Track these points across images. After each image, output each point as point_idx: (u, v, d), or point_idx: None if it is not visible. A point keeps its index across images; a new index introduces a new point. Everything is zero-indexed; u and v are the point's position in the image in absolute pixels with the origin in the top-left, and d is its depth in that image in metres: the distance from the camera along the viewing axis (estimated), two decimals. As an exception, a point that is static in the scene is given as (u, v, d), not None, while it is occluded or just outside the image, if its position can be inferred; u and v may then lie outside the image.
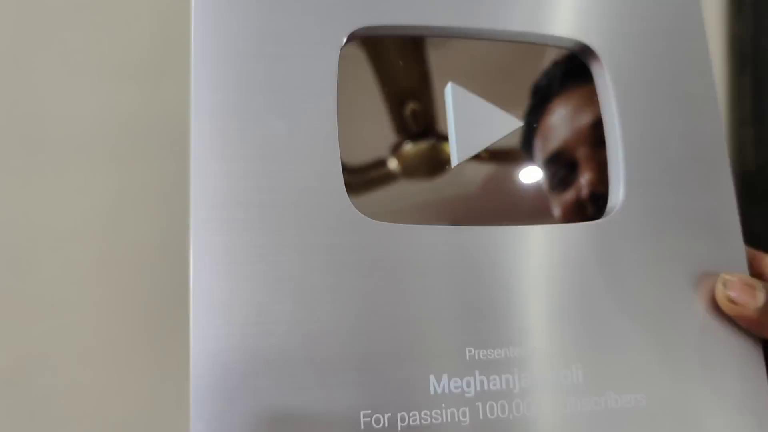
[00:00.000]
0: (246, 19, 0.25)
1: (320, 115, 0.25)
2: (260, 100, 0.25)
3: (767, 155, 0.83)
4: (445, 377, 0.24)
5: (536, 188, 0.29)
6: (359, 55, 0.27)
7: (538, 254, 0.26)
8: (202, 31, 0.24)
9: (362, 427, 0.23)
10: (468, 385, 0.24)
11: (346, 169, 0.25)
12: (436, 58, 0.28)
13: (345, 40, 0.26)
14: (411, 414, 0.24)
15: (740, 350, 0.27)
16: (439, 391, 0.24)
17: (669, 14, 0.30)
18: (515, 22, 0.28)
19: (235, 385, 0.22)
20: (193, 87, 0.24)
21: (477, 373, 0.24)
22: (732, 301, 0.26)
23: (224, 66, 0.24)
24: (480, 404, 0.24)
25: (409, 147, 0.27)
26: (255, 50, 0.25)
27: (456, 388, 0.24)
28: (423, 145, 0.27)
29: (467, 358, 0.25)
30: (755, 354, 0.28)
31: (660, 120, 0.29)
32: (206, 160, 0.24)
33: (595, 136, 0.28)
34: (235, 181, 0.24)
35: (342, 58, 0.26)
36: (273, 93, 0.25)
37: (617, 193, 0.28)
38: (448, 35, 0.28)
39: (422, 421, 0.24)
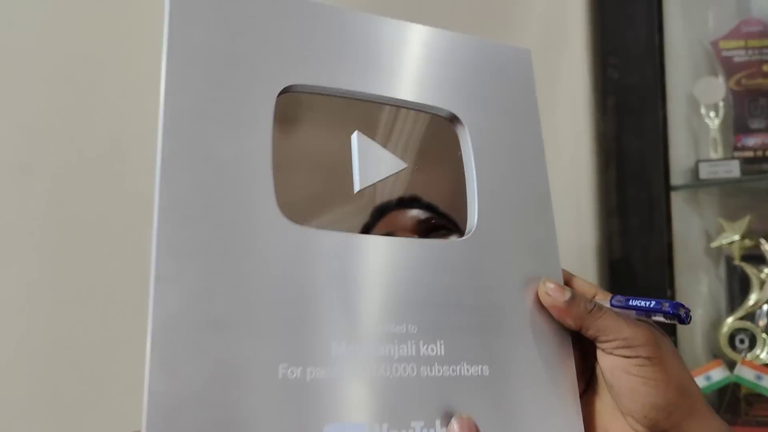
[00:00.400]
0: (206, 69, 0.34)
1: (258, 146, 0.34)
2: (214, 128, 0.33)
3: (632, 244, 0.97)
4: (344, 343, 0.33)
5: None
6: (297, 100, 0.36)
7: (412, 260, 0.36)
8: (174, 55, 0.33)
9: (279, 376, 0.31)
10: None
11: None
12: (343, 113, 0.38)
13: (278, 92, 0.35)
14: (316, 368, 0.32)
15: (553, 335, 0.38)
16: (339, 353, 0.32)
17: (511, 98, 0.42)
18: (403, 92, 0.38)
19: (185, 340, 0.30)
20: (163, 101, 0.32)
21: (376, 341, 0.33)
22: (548, 294, 0.37)
23: (189, 97, 0.33)
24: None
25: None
26: (212, 88, 0.33)
27: (353, 351, 0.33)
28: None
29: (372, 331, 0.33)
30: (564, 337, 0.38)
31: (503, 172, 0.40)
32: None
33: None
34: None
35: (277, 107, 0.35)
36: (223, 126, 0.33)
37: (472, 221, 0.39)
38: (352, 97, 0.38)
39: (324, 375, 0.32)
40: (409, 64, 0.40)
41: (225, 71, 0.34)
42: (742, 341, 0.97)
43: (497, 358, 0.36)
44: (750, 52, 1.08)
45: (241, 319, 0.31)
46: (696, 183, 1.04)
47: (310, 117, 0.37)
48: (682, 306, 0.35)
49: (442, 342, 0.35)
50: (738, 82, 1.08)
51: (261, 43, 0.35)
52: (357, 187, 0.37)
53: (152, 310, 0.30)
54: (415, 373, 0.34)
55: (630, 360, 0.35)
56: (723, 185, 1.05)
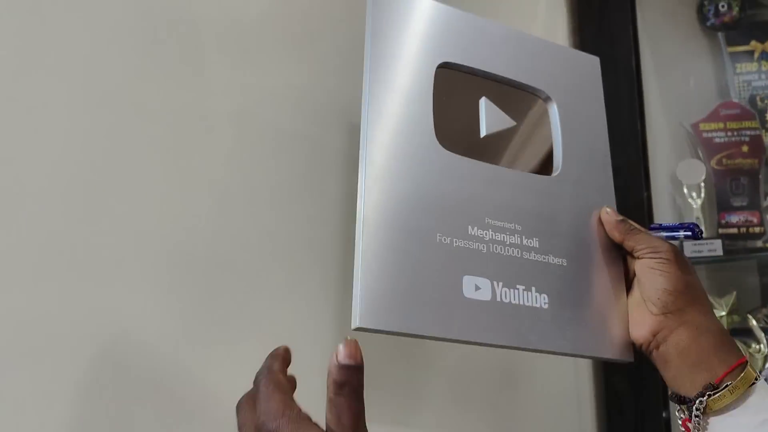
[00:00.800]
0: (389, 48, 0.52)
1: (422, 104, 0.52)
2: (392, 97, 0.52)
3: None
4: (476, 227, 0.50)
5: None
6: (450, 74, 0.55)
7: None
8: (374, 53, 0.51)
9: (437, 241, 0.48)
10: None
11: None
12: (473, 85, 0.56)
13: (436, 66, 0.54)
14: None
15: (608, 245, 0.55)
16: (473, 233, 0.50)
17: (585, 87, 0.61)
18: (520, 77, 0.57)
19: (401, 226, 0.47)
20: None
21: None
22: (607, 213, 0.54)
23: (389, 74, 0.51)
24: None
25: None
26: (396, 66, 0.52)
27: (481, 234, 0.50)
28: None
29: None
30: (615, 248, 0.55)
31: (580, 135, 0.58)
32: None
33: None
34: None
35: (436, 76, 0.53)
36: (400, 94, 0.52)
37: (558, 165, 0.56)
38: (486, 77, 0.56)
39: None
40: (521, 59, 0.58)
41: (405, 54, 0.53)
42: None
43: (573, 255, 0.54)
44: (729, 133, 1.13)
45: (417, 206, 0.49)
46: None
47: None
48: (697, 225, 0.52)
49: (537, 239, 0.53)
50: (719, 162, 1.13)
51: (429, 39, 0.54)
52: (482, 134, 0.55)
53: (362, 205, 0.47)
54: (519, 255, 0.51)
55: (654, 260, 0.52)
56: (709, 263, 1.06)
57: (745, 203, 1.09)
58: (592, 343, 0.52)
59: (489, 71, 0.56)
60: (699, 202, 1.09)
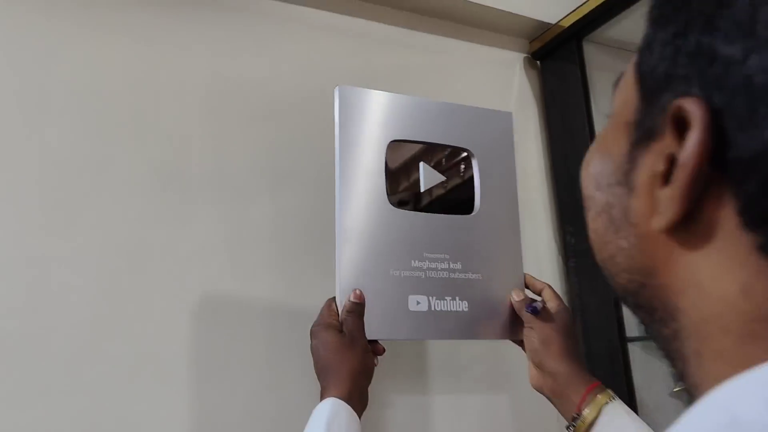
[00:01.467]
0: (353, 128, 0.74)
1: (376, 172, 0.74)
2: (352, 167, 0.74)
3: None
4: (417, 260, 0.74)
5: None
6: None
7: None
8: (343, 133, 0.73)
9: (390, 274, 0.73)
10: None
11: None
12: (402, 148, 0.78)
13: (387, 143, 0.76)
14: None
15: (507, 262, 0.80)
16: (415, 265, 0.74)
17: (499, 142, 0.82)
18: (448, 140, 0.79)
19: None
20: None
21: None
22: (513, 296, 0.77)
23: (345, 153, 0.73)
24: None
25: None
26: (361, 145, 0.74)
27: (420, 264, 0.74)
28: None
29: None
30: (515, 265, 0.80)
31: (494, 180, 0.81)
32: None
33: None
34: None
35: (387, 150, 0.75)
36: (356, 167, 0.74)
37: (477, 206, 0.79)
38: (424, 143, 0.78)
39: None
40: (450, 126, 0.80)
41: (364, 135, 0.75)
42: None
43: (485, 270, 0.78)
44: None
45: (375, 252, 0.73)
46: (640, 336, 1.06)
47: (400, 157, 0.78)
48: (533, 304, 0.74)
49: (460, 263, 0.77)
50: None
51: (381, 123, 0.76)
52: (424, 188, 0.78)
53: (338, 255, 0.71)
54: (447, 276, 0.76)
55: (534, 339, 0.73)
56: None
57: None
58: (492, 331, 0.77)
59: (425, 140, 0.79)
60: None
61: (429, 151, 0.80)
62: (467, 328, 0.76)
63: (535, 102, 1.15)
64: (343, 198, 0.73)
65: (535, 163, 1.15)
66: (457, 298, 0.76)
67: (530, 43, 1.17)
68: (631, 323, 1.01)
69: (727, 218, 0.27)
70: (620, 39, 1.12)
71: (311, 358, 0.69)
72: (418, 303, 0.74)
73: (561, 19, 1.10)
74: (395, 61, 0.96)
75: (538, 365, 0.72)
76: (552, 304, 0.75)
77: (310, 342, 0.70)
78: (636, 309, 0.33)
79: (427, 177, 0.79)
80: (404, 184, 0.78)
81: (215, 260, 0.85)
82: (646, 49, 0.31)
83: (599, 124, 1.05)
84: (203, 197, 0.87)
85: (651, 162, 0.29)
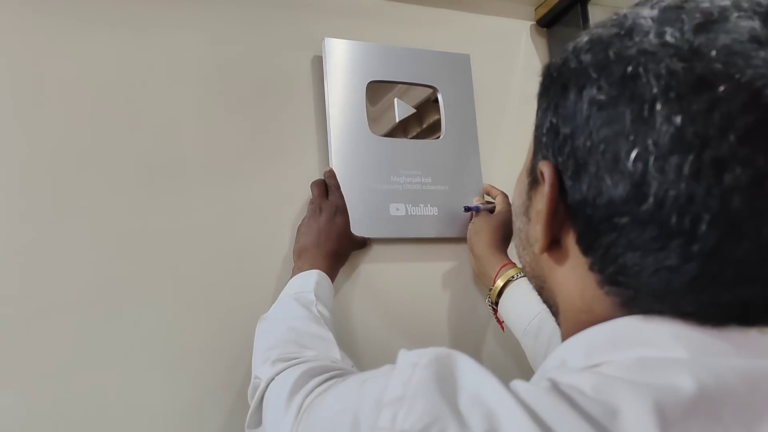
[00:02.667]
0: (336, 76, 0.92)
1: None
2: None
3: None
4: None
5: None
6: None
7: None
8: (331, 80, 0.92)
9: None
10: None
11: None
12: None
13: (367, 84, 0.94)
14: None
15: (468, 176, 0.99)
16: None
17: (459, 79, 1.01)
18: (416, 78, 0.97)
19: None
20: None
21: None
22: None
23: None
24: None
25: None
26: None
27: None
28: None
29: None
30: (476, 177, 0.99)
31: (456, 110, 1.00)
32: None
33: None
34: None
35: (367, 90, 0.94)
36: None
37: (443, 132, 0.98)
38: (396, 82, 0.97)
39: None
40: (419, 68, 0.98)
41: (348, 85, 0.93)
42: None
43: (451, 183, 0.97)
44: None
45: (361, 169, 0.92)
46: None
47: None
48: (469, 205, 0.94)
49: (430, 177, 0.96)
50: None
51: (360, 67, 0.94)
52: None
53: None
54: (420, 188, 0.95)
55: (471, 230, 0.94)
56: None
57: None
58: (456, 230, 0.97)
59: (399, 80, 0.97)
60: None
61: (404, 89, 0.98)
62: (437, 227, 0.96)
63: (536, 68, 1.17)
64: (333, 130, 0.92)
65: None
66: (428, 205, 0.96)
67: (535, 10, 1.14)
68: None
69: (573, 246, 0.38)
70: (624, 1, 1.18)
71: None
72: (397, 209, 0.94)
73: None
74: (401, 35, 1.03)
75: (471, 251, 0.93)
76: (499, 207, 0.94)
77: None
78: (543, 301, 0.45)
79: (401, 110, 0.98)
80: (384, 116, 0.97)
81: (210, 245, 0.84)
82: (536, 115, 0.41)
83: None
84: (196, 182, 0.86)
85: (537, 202, 0.40)
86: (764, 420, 0.31)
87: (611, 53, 0.34)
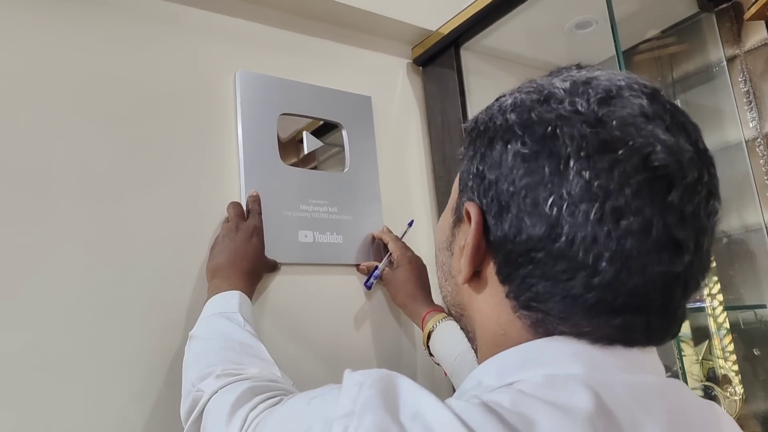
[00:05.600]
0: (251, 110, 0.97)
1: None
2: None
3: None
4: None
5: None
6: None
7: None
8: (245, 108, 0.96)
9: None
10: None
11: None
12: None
13: (278, 116, 1.00)
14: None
15: (368, 207, 1.07)
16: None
17: (361, 114, 1.09)
18: (324, 114, 1.04)
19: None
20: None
21: None
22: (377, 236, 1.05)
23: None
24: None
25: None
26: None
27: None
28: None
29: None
30: (376, 209, 1.07)
31: (359, 146, 1.07)
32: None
33: None
34: None
35: (279, 122, 0.99)
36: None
37: (347, 164, 1.06)
38: (304, 116, 1.03)
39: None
40: (327, 105, 1.05)
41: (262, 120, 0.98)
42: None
43: (355, 213, 1.04)
44: None
45: (273, 197, 0.96)
46: None
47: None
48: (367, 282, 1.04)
49: (336, 207, 1.02)
50: None
51: (273, 101, 0.99)
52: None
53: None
54: (327, 216, 1.01)
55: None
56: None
57: None
58: (359, 257, 1.04)
59: (307, 114, 1.03)
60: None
61: (312, 124, 1.05)
62: (342, 254, 1.02)
63: (418, 105, 1.23)
64: (244, 158, 0.95)
65: (417, 163, 1.20)
66: (334, 233, 1.02)
67: (412, 49, 1.23)
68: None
69: (492, 276, 0.43)
70: (494, 47, 1.22)
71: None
72: (306, 236, 0.99)
73: (440, 27, 1.16)
74: (280, 62, 1.05)
75: (395, 302, 1.02)
76: (398, 259, 1.00)
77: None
78: (461, 327, 0.50)
79: (310, 142, 1.04)
80: (293, 149, 1.03)
81: (78, 260, 0.80)
82: (461, 160, 0.47)
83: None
84: (67, 197, 0.81)
85: (460, 238, 0.46)
86: (648, 424, 0.37)
87: (534, 115, 0.41)
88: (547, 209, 0.39)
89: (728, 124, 1.07)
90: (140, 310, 0.83)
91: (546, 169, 0.39)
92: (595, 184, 0.37)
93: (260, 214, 0.92)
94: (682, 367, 1.01)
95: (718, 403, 0.94)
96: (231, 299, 0.78)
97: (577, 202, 0.38)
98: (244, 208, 0.92)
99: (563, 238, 0.38)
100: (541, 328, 0.42)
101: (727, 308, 1.02)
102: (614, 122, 0.38)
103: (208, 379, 0.62)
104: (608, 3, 0.92)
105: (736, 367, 1.00)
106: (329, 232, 1.01)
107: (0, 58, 0.81)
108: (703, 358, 1.02)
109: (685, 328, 1.04)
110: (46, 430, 0.73)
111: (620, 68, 0.89)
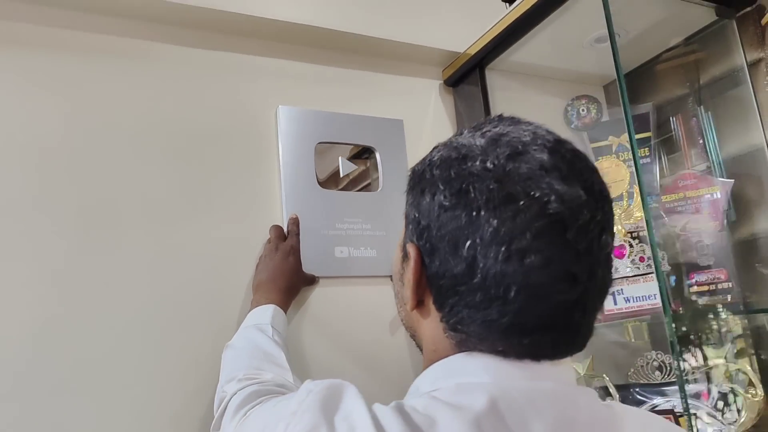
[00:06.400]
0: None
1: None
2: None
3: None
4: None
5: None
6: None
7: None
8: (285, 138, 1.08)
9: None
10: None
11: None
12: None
13: (315, 144, 1.11)
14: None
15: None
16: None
17: (393, 137, 1.19)
18: (357, 139, 1.15)
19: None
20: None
21: None
22: None
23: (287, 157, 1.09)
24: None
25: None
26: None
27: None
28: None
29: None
30: None
31: (391, 167, 1.17)
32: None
33: None
34: None
35: (316, 150, 1.11)
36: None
37: (381, 184, 1.16)
38: (342, 143, 1.14)
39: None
40: (359, 131, 1.16)
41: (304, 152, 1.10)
42: None
43: (389, 228, 1.14)
44: (690, 201, 1.16)
45: (312, 218, 1.08)
46: None
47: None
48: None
49: (370, 224, 1.13)
50: (683, 228, 1.16)
51: (310, 131, 1.11)
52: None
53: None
54: (361, 233, 1.11)
55: None
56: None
57: (711, 262, 1.11)
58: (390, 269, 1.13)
59: (342, 141, 1.15)
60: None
61: (346, 149, 1.16)
62: (376, 267, 1.12)
63: (450, 124, 1.33)
64: (285, 184, 1.08)
65: None
66: (368, 248, 1.12)
67: (443, 71, 1.32)
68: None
69: (431, 305, 0.52)
70: (517, 64, 1.29)
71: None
72: (341, 252, 1.10)
73: (467, 48, 1.24)
74: (317, 95, 1.17)
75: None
76: None
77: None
78: (416, 345, 0.58)
79: (345, 167, 1.15)
80: (330, 172, 1.14)
81: (147, 285, 0.95)
82: (406, 205, 0.55)
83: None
84: (134, 226, 0.96)
85: (407, 272, 0.53)
86: (535, 423, 0.45)
87: (452, 172, 0.49)
88: (465, 251, 0.46)
89: (752, 127, 1.08)
90: (196, 320, 0.97)
91: (463, 218, 0.47)
92: (502, 230, 0.45)
93: (298, 234, 1.04)
94: (708, 371, 1.04)
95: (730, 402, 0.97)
96: (266, 312, 0.90)
97: (488, 244, 0.45)
98: (285, 230, 1.05)
99: (479, 275, 0.46)
100: (464, 347, 0.50)
101: (753, 311, 1.04)
102: (517, 177, 0.46)
103: (231, 383, 0.74)
104: (608, 22, 0.96)
105: (756, 369, 1.01)
106: (363, 247, 1.12)
107: (73, 106, 0.98)
108: (726, 361, 1.04)
109: (709, 332, 1.06)
110: (129, 414, 0.90)
111: (620, 82, 0.93)
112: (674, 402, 1.08)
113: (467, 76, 1.27)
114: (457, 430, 0.43)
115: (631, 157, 1.20)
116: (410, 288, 0.52)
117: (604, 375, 1.10)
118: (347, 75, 1.22)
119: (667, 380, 1.09)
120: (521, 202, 0.45)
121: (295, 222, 1.05)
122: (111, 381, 0.90)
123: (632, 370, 1.12)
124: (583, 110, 1.31)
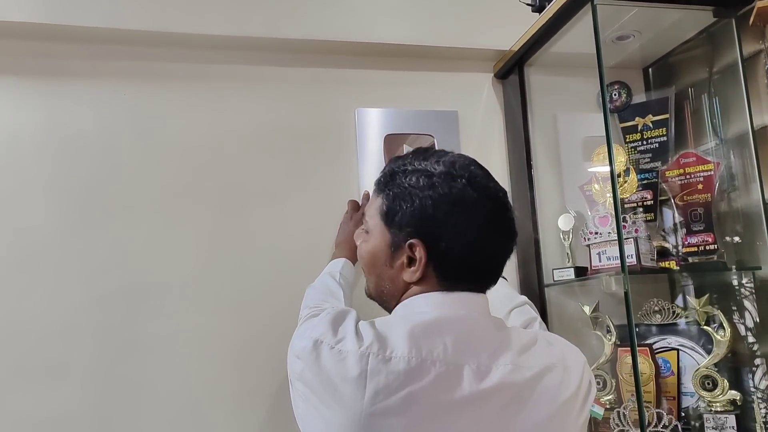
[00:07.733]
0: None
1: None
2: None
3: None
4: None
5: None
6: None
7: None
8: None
9: None
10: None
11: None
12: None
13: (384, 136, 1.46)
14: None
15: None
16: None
17: (448, 125, 1.50)
18: (417, 129, 1.48)
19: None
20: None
21: None
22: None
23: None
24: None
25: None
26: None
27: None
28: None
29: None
30: None
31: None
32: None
33: None
34: None
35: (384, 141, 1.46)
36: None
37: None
38: (404, 132, 1.48)
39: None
40: (419, 122, 1.48)
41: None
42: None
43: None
44: (688, 176, 1.38)
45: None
46: (553, 283, 1.42)
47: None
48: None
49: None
50: (682, 198, 1.39)
51: (380, 125, 1.46)
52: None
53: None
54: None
55: None
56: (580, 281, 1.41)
57: (702, 227, 1.34)
58: None
59: (405, 132, 1.48)
60: (568, 243, 1.49)
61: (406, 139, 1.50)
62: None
63: (502, 114, 1.59)
64: (361, 169, 1.43)
65: (498, 162, 1.56)
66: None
67: (494, 65, 1.58)
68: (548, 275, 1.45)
69: (432, 275, 0.80)
70: (556, 58, 1.48)
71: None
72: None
73: (512, 45, 1.47)
74: (386, 96, 1.50)
75: None
76: None
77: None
78: (381, 305, 0.87)
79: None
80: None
81: (269, 244, 1.38)
82: (386, 206, 0.84)
83: (534, 129, 1.53)
84: (256, 202, 1.39)
85: (401, 258, 0.81)
86: (451, 333, 0.74)
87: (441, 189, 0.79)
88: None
89: (754, 112, 1.26)
90: (298, 268, 1.37)
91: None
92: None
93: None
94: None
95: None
96: (338, 263, 1.26)
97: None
98: (359, 203, 1.41)
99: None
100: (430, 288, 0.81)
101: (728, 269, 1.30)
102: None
103: (305, 310, 1.09)
104: (595, 31, 1.19)
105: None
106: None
107: (214, 119, 1.41)
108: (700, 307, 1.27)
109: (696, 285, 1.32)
110: (201, 387, 1.31)
111: (601, 77, 1.20)
112: (669, 340, 1.34)
113: (512, 70, 1.53)
114: (400, 332, 0.75)
115: (635, 139, 1.51)
116: (419, 267, 0.79)
117: (607, 316, 1.34)
118: (411, 77, 1.54)
119: (666, 322, 1.35)
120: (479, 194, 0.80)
121: (366, 196, 1.40)
122: (181, 355, 1.35)
123: (639, 313, 1.38)
124: (615, 94, 1.52)
